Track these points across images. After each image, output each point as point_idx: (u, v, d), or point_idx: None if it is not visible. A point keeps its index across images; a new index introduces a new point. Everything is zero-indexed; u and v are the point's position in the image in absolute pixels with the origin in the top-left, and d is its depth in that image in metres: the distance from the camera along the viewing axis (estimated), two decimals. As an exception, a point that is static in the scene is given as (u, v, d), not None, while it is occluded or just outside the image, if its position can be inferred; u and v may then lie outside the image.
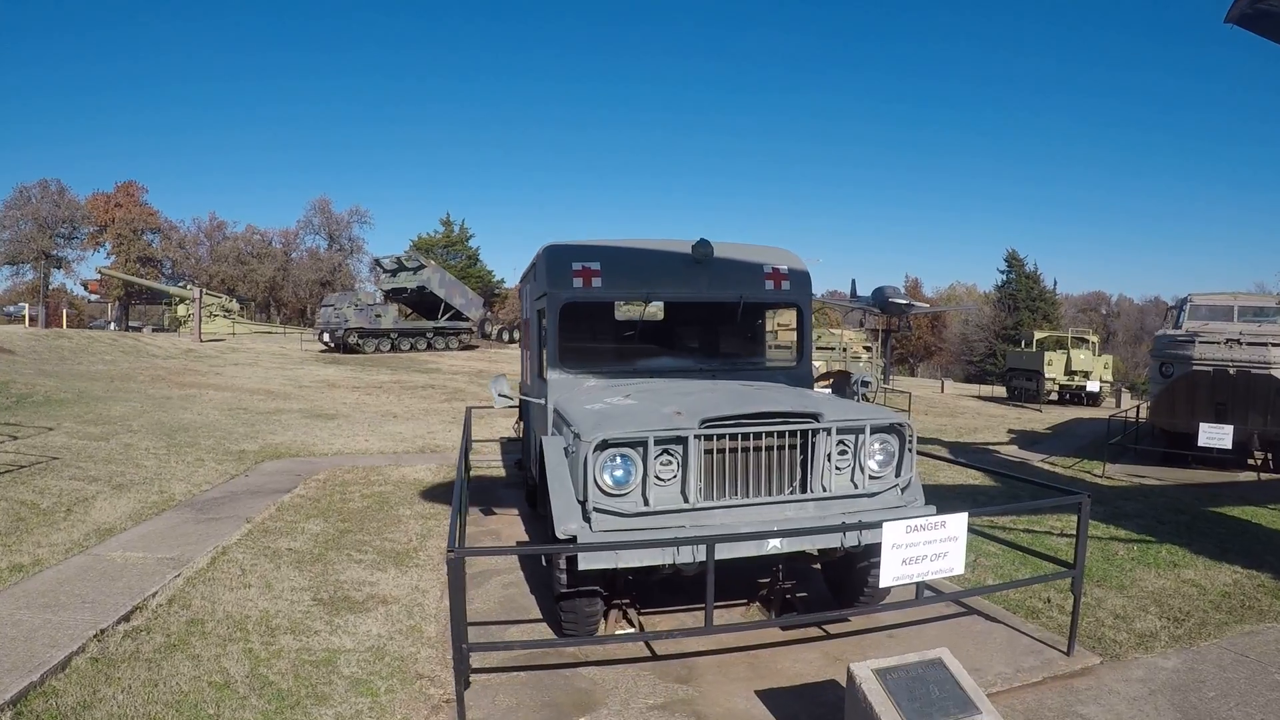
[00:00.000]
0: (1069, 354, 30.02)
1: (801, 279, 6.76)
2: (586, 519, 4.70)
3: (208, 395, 21.02)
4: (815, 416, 4.98)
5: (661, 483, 4.82)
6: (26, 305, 56.47)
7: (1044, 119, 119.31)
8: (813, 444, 4.99)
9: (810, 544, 5.00)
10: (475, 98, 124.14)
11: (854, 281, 36.56)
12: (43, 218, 58.66)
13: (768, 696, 4.70)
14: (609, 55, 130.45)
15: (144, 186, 66.28)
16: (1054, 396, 29.77)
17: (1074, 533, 5.48)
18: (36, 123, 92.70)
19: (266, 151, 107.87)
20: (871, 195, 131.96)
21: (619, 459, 4.73)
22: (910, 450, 5.21)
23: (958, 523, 4.72)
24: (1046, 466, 14.07)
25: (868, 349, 20.01)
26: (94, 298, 65.18)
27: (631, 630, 5.61)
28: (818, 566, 5.87)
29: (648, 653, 5.28)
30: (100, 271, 57.02)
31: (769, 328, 8.18)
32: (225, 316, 51.74)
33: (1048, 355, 29.93)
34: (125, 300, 61.28)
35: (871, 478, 5.19)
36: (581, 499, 4.71)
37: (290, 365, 32.12)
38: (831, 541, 4.85)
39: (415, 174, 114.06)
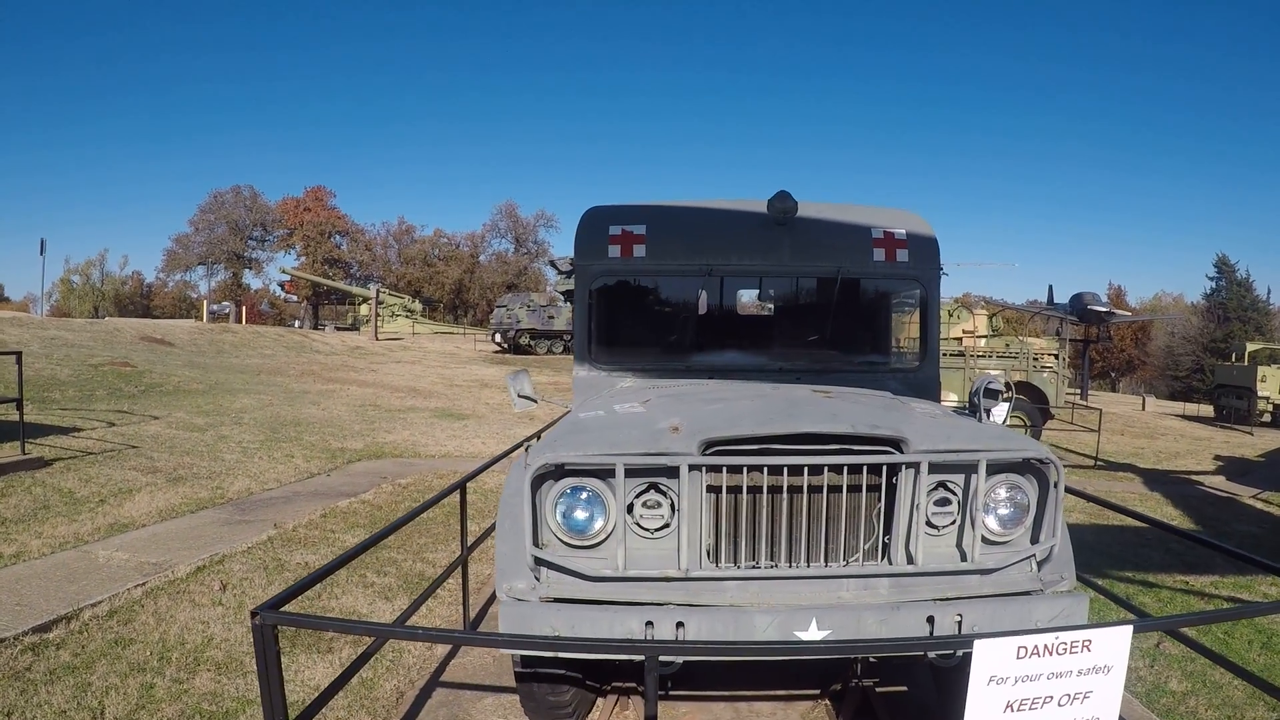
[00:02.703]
0: None
1: (926, 248, 5.37)
2: (537, 574, 3.52)
3: (348, 391, 21.99)
4: (896, 443, 3.46)
5: (647, 534, 3.53)
6: (231, 304, 64.60)
7: (1259, 113, 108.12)
8: (894, 486, 3.50)
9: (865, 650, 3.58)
10: (664, 94, 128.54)
11: (1051, 288, 36.17)
12: (235, 221, 68.04)
13: None
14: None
15: (332, 191, 74.95)
16: (1268, 418, 28.83)
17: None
18: (231, 131, 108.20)
19: (454, 157, 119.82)
20: (1074, 197, 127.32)
21: (583, 494, 3.50)
22: (1057, 501, 3.55)
23: (1113, 642, 2.97)
24: (1259, 505, 12.03)
25: (1054, 357, 17.95)
26: (294, 298, 73.84)
27: None
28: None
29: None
30: (285, 272, 64.25)
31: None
32: (407, 316, 56.44)
33: (1261, 370, 29.13)
34: (314, 300, 68.51)
35: (989, 542, 3.59)
36: (536, 545, 3.47)
37: (453, 365, 33.51)
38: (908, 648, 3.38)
39: (600, 177, 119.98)
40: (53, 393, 15.88)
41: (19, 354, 10.69)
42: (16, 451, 9.76)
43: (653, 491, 3.51)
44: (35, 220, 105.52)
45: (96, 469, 9.91)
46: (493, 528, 6.33)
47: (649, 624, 3.25)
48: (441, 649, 5.37)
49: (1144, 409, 34.73)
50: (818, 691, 4.79)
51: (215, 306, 66.22)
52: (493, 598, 6.47)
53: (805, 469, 3.45)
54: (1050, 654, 2.89)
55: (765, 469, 3.45)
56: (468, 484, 5.66)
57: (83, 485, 9.10)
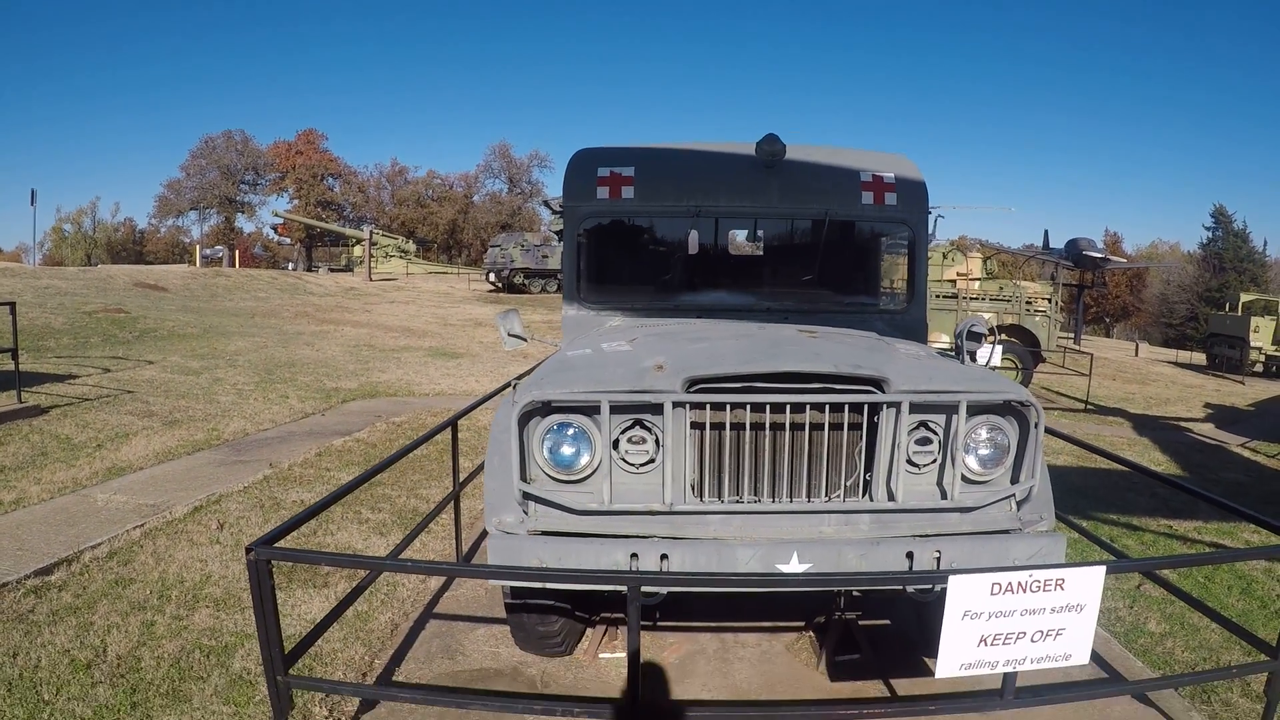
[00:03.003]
0: (1279, 321, 29.14)
1: (913, 192, 5.39)
2: (525, 508, 3.59)
3: (341, 332, 22.00)
4: (878, 383, 3.50)
5: (632, 469, 3.59)
6: (224, 249, 64.21)
7: (1262, 65, 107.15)
8: (875, 425, 3.55)
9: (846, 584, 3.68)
10: (656, 36, 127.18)
11: (1046, 233, 37.00)
12: (227, 166, 67.58)
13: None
14: None
15: (324, 134, 74.60)
16: (1259, 368, 29.21)
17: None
18: (222, 76, 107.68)
19: (447, 99, 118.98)
20: (1071, 143, 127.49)
21: (569, 430, 3.55)
22: (1037, 443, 3.58)
23: (1086, 582, 3.04)
24: (1247, 454, 12.10)
25: (1047, 301, 17.96)
26: (287, 241, 73.51)
27: (620, 656, 4.52)
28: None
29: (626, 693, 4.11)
30: (278, 215, 63.93)
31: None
32: (400, 257, 56.10)
33: (1254, 321, 29.25)
34: (307, 242, 68.20)
35: (969, 481, 3.64)
36: (523, 481, 3.53)
37: (447, 304, 33.46)
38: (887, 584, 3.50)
39: (593, 119, 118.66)
40: (47, 341, 15.86)
41: (13, 304, 10.65)
42: (13, 400, 9.80)
43: (638, 428, 3.57)
44: (25, 170, 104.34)
45: (93, 415, 9.96)
46: (484, 464, 6.40)
47: (634, 556, 3.34)
48: (435, 582, 5.48)
49: (1136, 355, 34.90)
50: (802, 624, 4.91)
51: (208, 251, 65.76)
52: (484, 533, 6.54)
53: (787, 407, 3.49)
54: (1024, 591, 2.99)
55: (748, 406, 3.49)
56: (460, 421, 5.71)
57: (80, 431, 9.15)
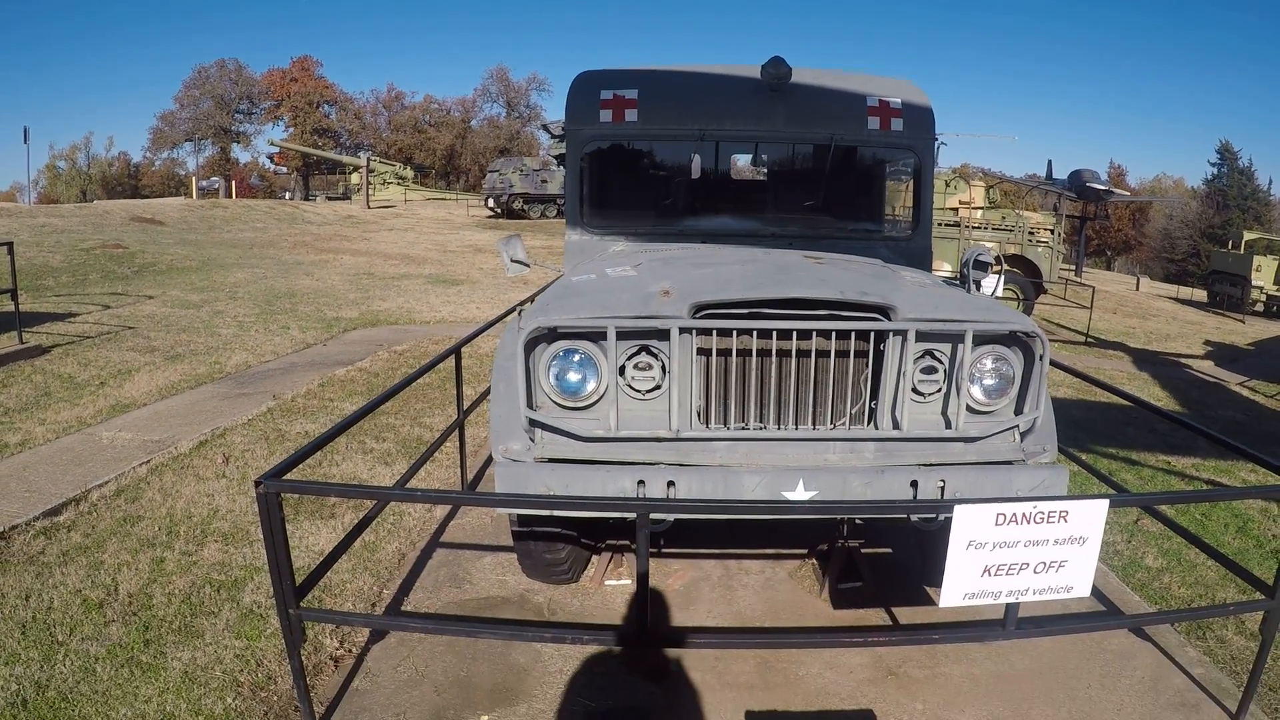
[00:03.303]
0: None
1: (921, 117, 5.27)
2: (531, 435, 3.55)
3: (341, 260, 21.82)
4: (885, 311, 3.41)
5: (639, 396, 3.54)
6: (220, 180, 63.47)
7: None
8: (881, 353, 3.49)
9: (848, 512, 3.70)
10: None
11: (1050, 163, 35.64)
12: (221, 95, 66.05)
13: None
14: None
15: (318, 61, 72.63)
16: (1260, 307, 29.01)
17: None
18: (214, 6, 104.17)
19: (443, 23, 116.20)
20: (1077, 74, 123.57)
21: (575, 357, 3.49)
22: (1041, 374, 3.52)
23: (1090, 514, 2.98)
24: (1245, 393, 12.03)
25: (1050, 232, 17.69)
26: (283, 170, 72.52)
27: (625, 583, 4.56)
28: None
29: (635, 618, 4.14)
30: (274, 144, 62.92)
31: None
32: (398, 184, 55.40)
33: (1257, 260, 28.87)
34: (304, 171, 67.26)
35: (973, 411, 3.59)
36: (530, 407, 3.49)
37: (446, 231, 33.12)
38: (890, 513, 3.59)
39: (593, 42, 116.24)
40: (46, 280, 15.72)
41: (10, 244, 10.49)
42: (14, 341, 9.71)
43: (644, 354, 3.51)
44: (16, 108, 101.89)
45: (95, 352, 9.91)
46: (488, 392, 6.36)
47: (641, 483, 3.32)
48: (440, 512, 5.49)
49: (1137, 289, 34.73)
50: (805, 551, 4.93)
51: (204, 183, 65.08)
52: (489, 461, 6.58)
53: (794, 333, 3.43)
54: (1028, 522, 2.96)
55: (755, 333, 3.44)
56: (462, 349, 5.66)
57: (82, 369, 9.11)
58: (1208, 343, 18.29)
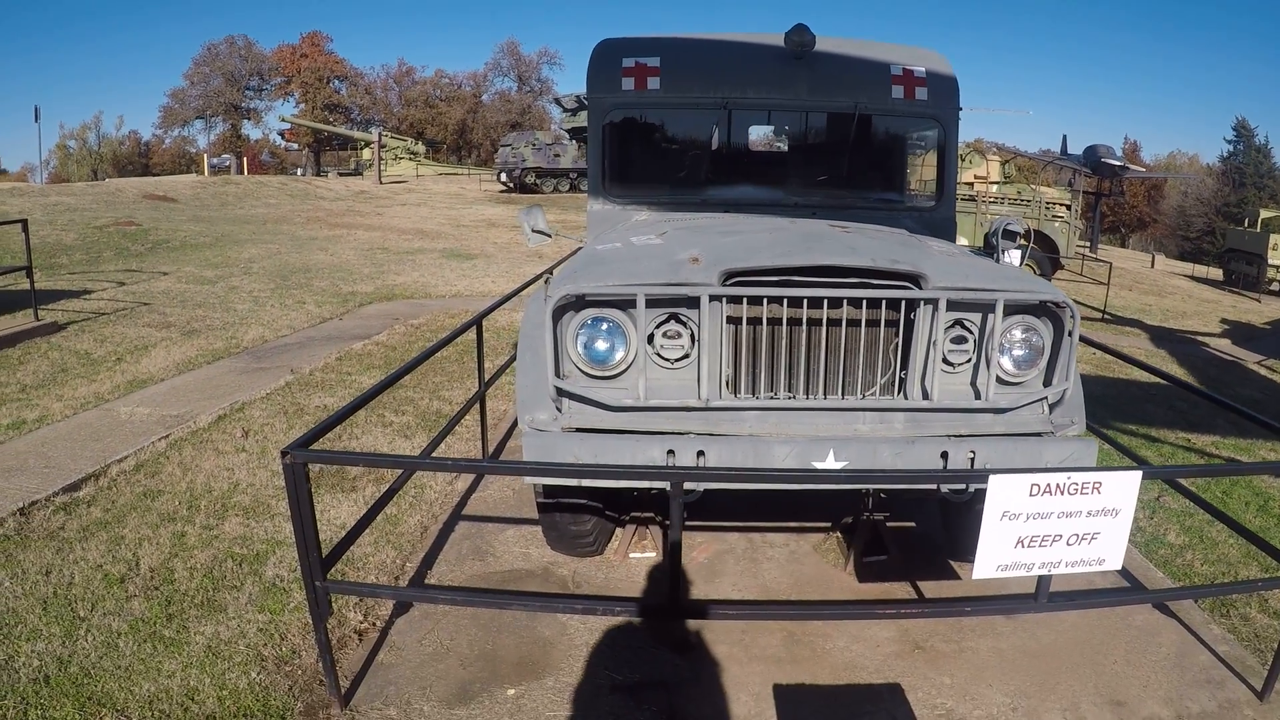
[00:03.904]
0: None
1: (945, 87, 5.19)
2: (559, 404, 3.47)
3: (355, 236, 21.72)
4: (915, 279, 3.32)
5: (668, 364, 3.46)
6: (231, 157, 63.40)
7: None
8: (911, 322, 3.40)
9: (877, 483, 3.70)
10: None
11: (1065, 138, 35.69)
12: (231, 72, 65.92)
13: (788, 699, 3.41)
14: None
15: (329, 36, 72.16)
16: (1276, 286, 28.36)
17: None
18: None
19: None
20: (1093, 49, 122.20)
21: (604, 325, 3.41)
22: (1071, 346, 3.46)
23: (1123, 486, 2.90)
24: (1264, 372, 11.94)
25: (1067, 208, 17.40)
26: (294, 146, 72.40)
27: (650, 556, 4.52)
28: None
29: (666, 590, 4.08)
30: (285, 120, 62.82)
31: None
32: (410, 159, 55.15)
33: (1273, 238, 28.23)
34: (316, 147, 67.17)
35: (1003, 382, 3.52)
36: (557, 376, 3.40)
37: (459, 206, 32.97)
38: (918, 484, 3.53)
39: (604, 15, 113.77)
40: (60, 258, 15.71)
41: (24, 221, 10.46)
42: (30, 319, 9.69)
43: (673, 322, 3.43)
44: (27, 88, 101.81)
45: (111, 329, 9.87)
46: (507, 364, 6.33)
47: (670, 452, 3.25)
48: (462, 484, 5.42)
49: (1153, 266, 34.39)
50: (829, 525, 4.87)
51: (216, 160, 64.96)
52: (509, 433, 6.52)
53: (825, 302, 3.34)
54: (1061, 493, 2.91)
55: (785, 301, 3.35)
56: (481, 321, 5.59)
57: (98, 346, 9.07)
58: (1224, 321, 18.16)
